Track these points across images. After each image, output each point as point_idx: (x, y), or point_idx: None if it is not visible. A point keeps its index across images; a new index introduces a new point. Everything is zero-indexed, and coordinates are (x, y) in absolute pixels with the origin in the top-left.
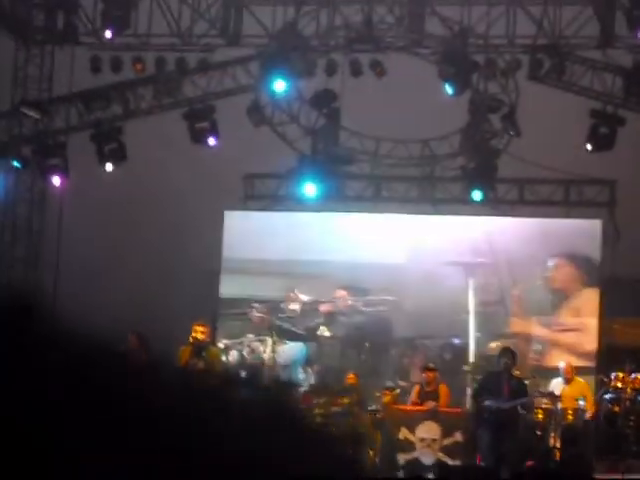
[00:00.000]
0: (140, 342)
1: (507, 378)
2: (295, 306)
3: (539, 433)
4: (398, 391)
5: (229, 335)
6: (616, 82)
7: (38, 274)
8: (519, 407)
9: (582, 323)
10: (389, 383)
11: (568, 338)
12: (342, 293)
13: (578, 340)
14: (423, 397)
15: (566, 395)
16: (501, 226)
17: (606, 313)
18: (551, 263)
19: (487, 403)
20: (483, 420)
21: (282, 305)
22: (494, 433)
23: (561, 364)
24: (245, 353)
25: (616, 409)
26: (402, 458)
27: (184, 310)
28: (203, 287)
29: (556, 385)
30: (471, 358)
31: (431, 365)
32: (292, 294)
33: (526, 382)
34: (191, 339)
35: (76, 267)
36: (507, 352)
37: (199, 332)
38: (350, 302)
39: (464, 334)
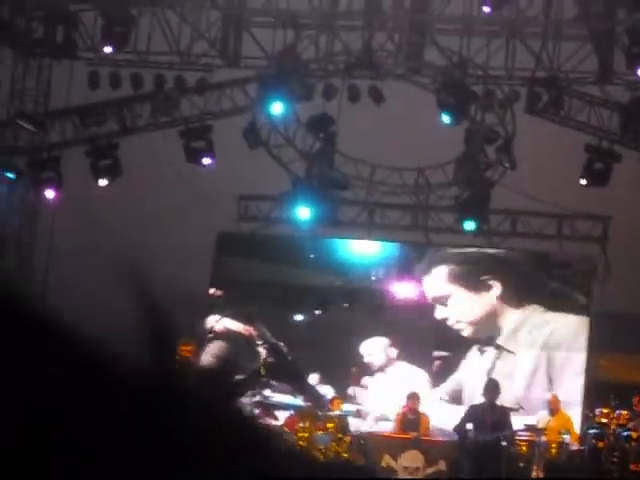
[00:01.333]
0: None
1: (490, 410)
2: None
3: (522, 465)
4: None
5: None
6: (613, 118)
7: (28, 287)
8: (501, 439)
9: None
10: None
11: None
12: None
13: None
14: (405, 425)
15: (550, 428)
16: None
17: (595, 348)
18: None
19: (470, 435)
20: (466, 451)
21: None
22: (476, 464)
23: (547, 395)
24: None
25: (600, 444)
26: None
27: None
28: (194, 307)
29: (541, 417)
30: None
31: (415, 392)
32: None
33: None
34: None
35: (66, 282)
36: (490, 384)
37: (184, 352)
38: None
39: None
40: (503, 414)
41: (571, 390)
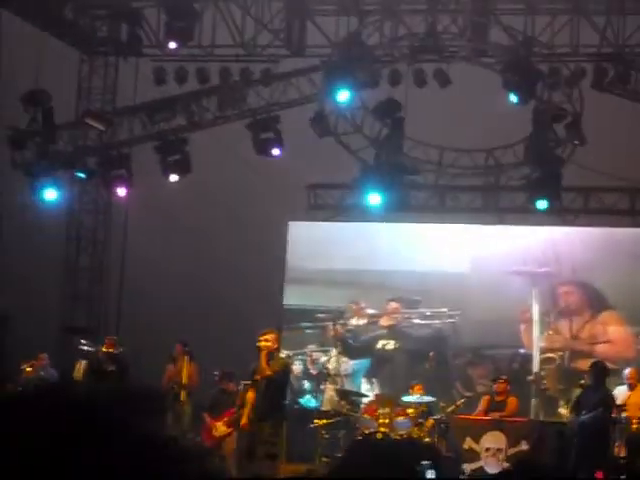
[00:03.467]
0: (184, 350)
1: (592, 391)
2: (359, 320)
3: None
4: (462, 401)
5: (291, 346)
6: None
7: (103, 285)
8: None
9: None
10: (455, 393)
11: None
12: (394, 305)
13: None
14: (492, 407)
15: (630, 403)
16: (566, 234)
17: None
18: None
19: (572, 417)
20: (574, 434)
21: (346, 316)
22: (579, 443)
23: (625, 370)
24: (307, 363)
25: None
26: (467, 468)
27: (249, 320)
28: (268, 297)
29: (620, 392)
30: (535, 368)
31: (503, 376)
32: (355, 306)
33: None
34: (262, 347)
35: (141, 278)
36: (592, 366)
37: (262, 341)
38: (407, 315)
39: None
40: (604, 394)
41: None
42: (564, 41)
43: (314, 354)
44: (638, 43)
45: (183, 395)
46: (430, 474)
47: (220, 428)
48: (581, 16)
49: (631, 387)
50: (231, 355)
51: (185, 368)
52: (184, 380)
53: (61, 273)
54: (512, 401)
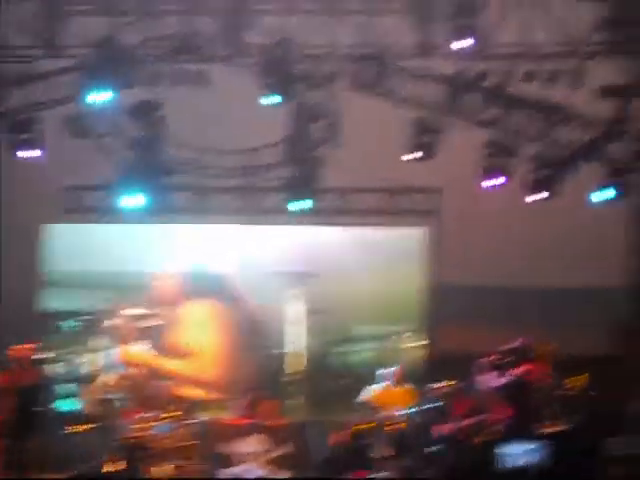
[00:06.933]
0: None
1: None
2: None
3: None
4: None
5: (52, 348)
6: (438, 90)
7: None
8: None
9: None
10: None
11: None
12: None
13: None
14: (252, 410)
15: (389, 403)
16: (325, 235)
17: (432, 322)
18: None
19: None
20: None
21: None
22: None
23: (392, 368)
24: (70, 365)
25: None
26: (223, 473)
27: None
28: (22, 303)
29: (377, 392)
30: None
31: None
32: (117, 307)
33: None
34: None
35: None
36: None
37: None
38: None
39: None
40: None
41: None
42: (321, 41)
43: (77, 356)
44: (394, 43)
45: None
46: None
47: None
48: (338, 16)
49: (395, 385)
50: None
51: None
52: None
53: None
54: (270, 403)
